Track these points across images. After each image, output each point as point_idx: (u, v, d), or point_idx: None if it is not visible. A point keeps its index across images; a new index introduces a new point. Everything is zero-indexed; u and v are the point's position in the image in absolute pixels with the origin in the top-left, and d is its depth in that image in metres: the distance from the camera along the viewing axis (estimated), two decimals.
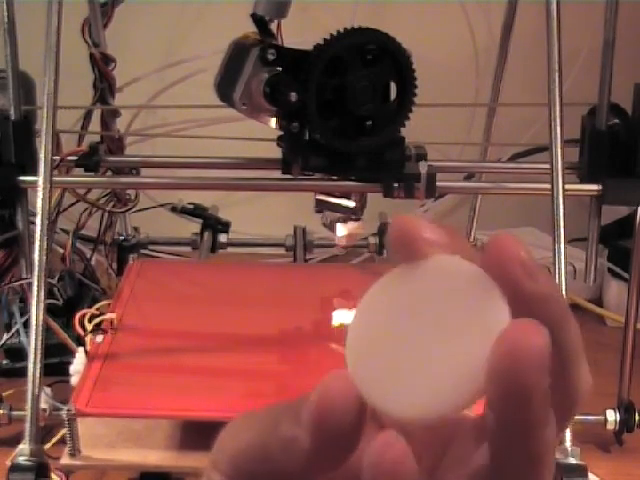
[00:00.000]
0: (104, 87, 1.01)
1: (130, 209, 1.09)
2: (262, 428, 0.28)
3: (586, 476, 0.75)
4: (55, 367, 0.87)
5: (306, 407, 0.26)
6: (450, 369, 0.26)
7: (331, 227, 0.94)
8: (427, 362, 0.26)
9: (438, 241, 0.27)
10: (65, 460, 0.74)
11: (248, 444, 0.28)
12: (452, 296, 0.27)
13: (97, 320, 0.84)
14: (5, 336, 1.00)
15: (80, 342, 0.84)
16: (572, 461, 0.75)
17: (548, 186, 0.82)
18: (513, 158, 1.29)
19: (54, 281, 1.02)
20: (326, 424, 0.26)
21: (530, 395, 0.24)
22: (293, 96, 0.81)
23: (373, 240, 1.14)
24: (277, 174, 0.89)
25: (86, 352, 0.81)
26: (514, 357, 0.23)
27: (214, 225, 1.14)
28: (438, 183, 0.87)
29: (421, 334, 0.27)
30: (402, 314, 0.27)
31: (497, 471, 0.26)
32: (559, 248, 0.81)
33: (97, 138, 1.02)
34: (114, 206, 1.08)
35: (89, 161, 0.94)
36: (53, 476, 0.75)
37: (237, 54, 0.85)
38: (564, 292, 0.80)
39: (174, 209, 1.16)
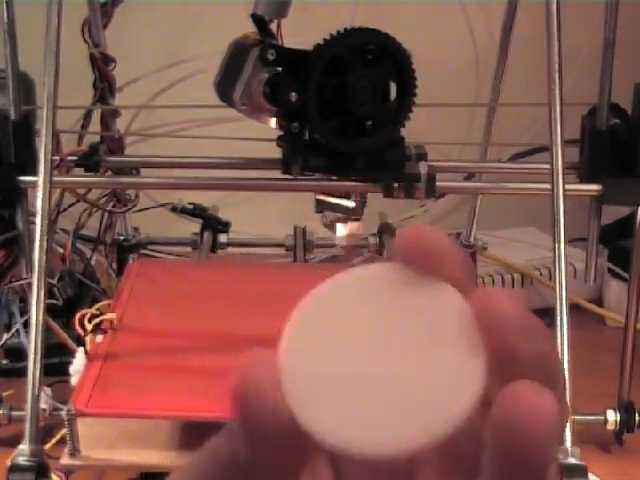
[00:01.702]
0: (104, 87, 1.01)
1: (130, 209, 1.09)
2: (202, 462, 0.26)
3: (586, 476, 0.75)
4: (55, 367, 0.87)
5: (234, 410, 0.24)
6: (420, 391, 0.23)
7: (331, 227, 0.94)
8: (385, 385, 0.23)
9: (454, 260, 0.25)
10: (65, 460, 0.74)
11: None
12: (401, 306, 0.24)
13: (97, 320, 0.84)
14: (5, 336, 1.00)
15: (80, 342, 0.84)
16: (572, 461, 0.75)
17: (548, 186, 0.82)
18: (513, 158, 1.29)
19: (54, 281, 1.02)
20: (257, 422, 0.23)
21: (540, 467, 0.22)
22: (293, 96, 0.81)
23: (373, 240, 1.14)
24: (277, 174, 0.89)
25: (86, 352, 0.81)
26: (521, 431, 0.21)
27: (214, 225, 1.14)
28: (438, 183, 0.87)
29: (373, 352, 0.24)
30: (347, 329, 0.24)
31: None
32: (559, 248, 0.81)
33: (97, 138, 1.02)
34: (114, 206, 1.08)
35: (89, 161, 0.94)
36: (53, 476, 0.75)
37: (237, 54, 0.85)
38: (564, 292, 0.80)
39: (174, 209, 1.16)
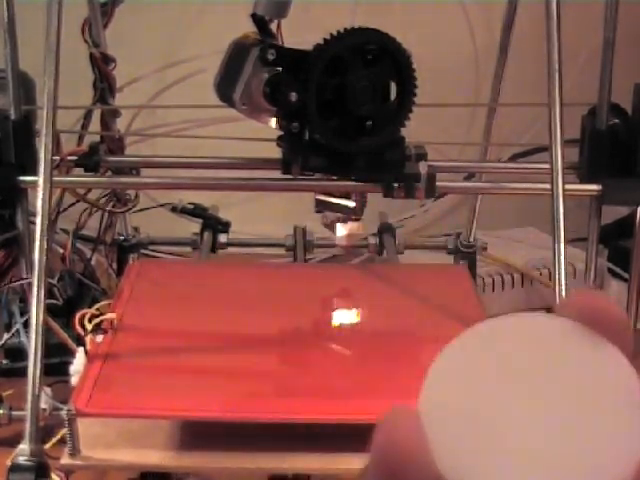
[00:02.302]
0: (104, 87, 1.01)
1: (130, 209, 1.09)
2: None
3: None
4: (55, 367, 0.87)
5: None
6: (575, 452, 0.21)
7: (331, 227, 0.94)
8: (536, 441, 0.21)
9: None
10: (65, 460, 0.74)
11: None
12: (559, 359, 0.22)
13: (97, 320, 0.84)
14: (5, 336, 1.00)
15: (80, 342, 0.83)
16: None
17: (548, 186, 0.82)
18: (513, 158, 1.29)
19: (54, 281, 1.02)
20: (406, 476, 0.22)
21: None
22: (293, 96, 0.81)
23: (373, 240, 1.14)
24: (277, 174, 0.89)
25: (86, 352, 0.81)
26: None
27: (214, 225, 1.14)
28: (438, 183, 0.87)
29: (526, 403, 0.22)
30: (494, 378, 0.22)
31: None
32: (559, 248, 0.81)
33: (97, 138, 1.02)
34: (114, 206, 1.08)
35: (89, 161, 0.94)
36: (53, 476, 0.75)
37: (237, 54, 0.85)
38: (564, 292, 0.80)
39: (174, 209, 1.16)
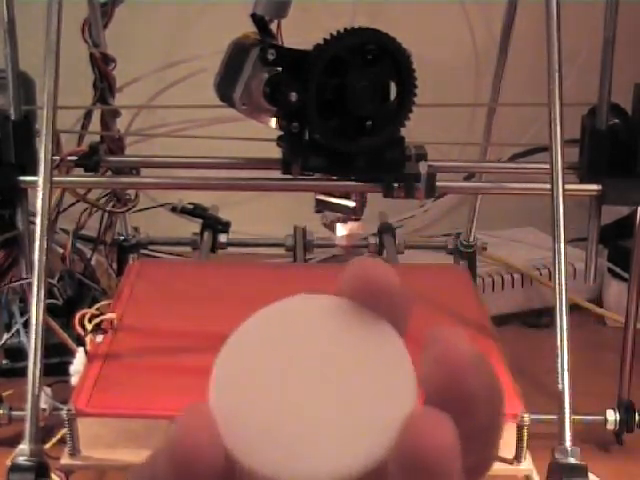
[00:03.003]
0: (104, 87, 1.01)
1: (130, 209, 1.09)
2: None
3: (586, 476, 0.75)
4: (55, 367, 0.87)
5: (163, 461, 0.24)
6: (353, 420, 0.23)
7: (331, 227, 0.94)
8: (320, 414, 0.24)
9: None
10: (65, 460, 0.74)
11: None
12: (335, 336, 0.24)
13: (97, 320, 0.84)
14: (5, 336, 1.00)
15: (80, 342, 0.84)
16: (572, 461, 0.75)
17: (548, 186, 0.82)
18: (513, 158, 1.29)
19: (54, 281, 1.02)
20: (191, 457, 0.23)
21: None
22: (293, 96, 0.81)
23: (373, 240, 1.14)
24: (277, 174, 0.89)
25: (86, 352, 0.81)
26: (420, 457, 0.22)
27: (214, 225, 1.14)
28: (438, 183, 0.87)
29: (304, 380, 0.24)
30: (279, 358, 0.24)
31: None
32: (559, 248, 0.81)
33: (97, 138, 1.02)
34: (114, 206, 1.08)
35: (89, 161, 0.94)
36: (53, 476, 0.75)
37: (237, 54, 0.85)
38: (564, 292, 0.80)
39: (174, 209, 1.16)
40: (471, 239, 1.17)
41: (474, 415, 0.24)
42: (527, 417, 0.73)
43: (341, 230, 0.93)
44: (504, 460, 0.74)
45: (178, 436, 0.23)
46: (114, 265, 1.14)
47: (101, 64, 1.01)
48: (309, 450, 0.23)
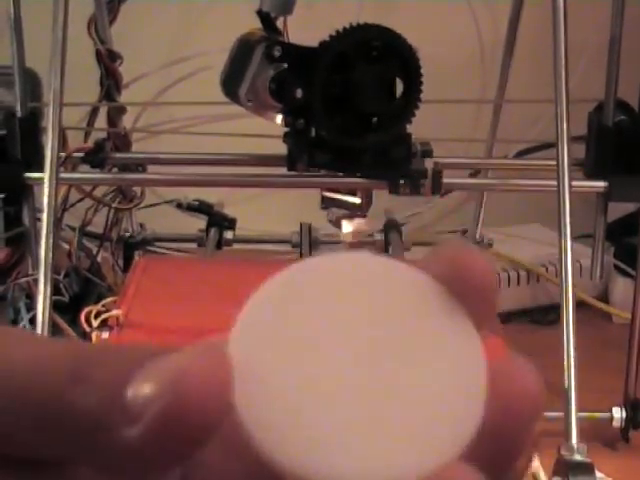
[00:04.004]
0: (110, 84, 1.01)
1: (136, 206, 1.09)
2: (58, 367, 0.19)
3: (593, 473, 0.75)
4: None
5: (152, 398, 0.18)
6: (416, 412, 0.18)
7: (337, 224, 0.94)
8: (373, 400, 0.18)
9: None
10: None
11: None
12: (392, 307, 0.19)
13: (103, 317, 0.84)
14: None
15: (86, 338, 0.84)
16: (578, 458, 0.75)
17: (554, 183, 0.82)
18: (519, 155, 1.28)
19: (60, 277, 1.02)
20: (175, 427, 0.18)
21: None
22: (299, 93, 0.81)
23: (379, 236, 1.14)
24: (283, 171, 0.89)
25: None
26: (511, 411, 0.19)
27: (220, 222, 1.14)
28: (444, 180, 0.87)
29: (350, 354, 0.18)
30: (319, 324, 0.19)
31: None
32: (565, 245, 0.81)
33: (103, 135, 1.02)
34: (120, 203, 1.08)
35: (95, 158, 0.94)
36: None
37: (243, 51, 0.85)
38: (570, 289, 0.80)
39: (180, 206, 1.16)
40: (477, 236, 1.16)
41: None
42: None
43: (347, 227, 0.93)
44: None
45: (186, 367, 0.18)
46: (120, 262, 1.14)
47: (107, 61, 1.01)
48: (361, 446, 0.18)
